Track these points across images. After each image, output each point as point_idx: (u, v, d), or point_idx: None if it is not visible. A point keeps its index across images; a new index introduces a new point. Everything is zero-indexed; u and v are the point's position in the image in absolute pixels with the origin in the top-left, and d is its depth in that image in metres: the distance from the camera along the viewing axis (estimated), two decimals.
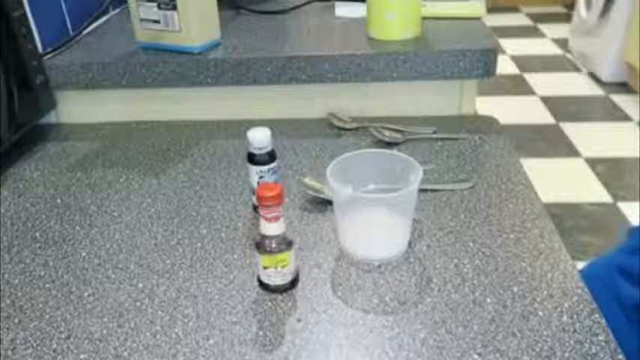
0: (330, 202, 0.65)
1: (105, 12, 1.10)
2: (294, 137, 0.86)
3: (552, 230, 0.63)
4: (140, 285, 0.59)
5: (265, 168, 0.65)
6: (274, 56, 0.88)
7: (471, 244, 0.62)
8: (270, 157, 0.65)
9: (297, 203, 0.70)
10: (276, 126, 0.91)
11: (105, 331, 0.53)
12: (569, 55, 3.43)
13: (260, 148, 0.64)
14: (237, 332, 0.52)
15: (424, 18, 0.94)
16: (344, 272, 0.59)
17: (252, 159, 0.65)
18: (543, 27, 4.00)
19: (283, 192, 0.52)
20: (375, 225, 0.60)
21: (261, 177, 0.65)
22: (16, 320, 0.55)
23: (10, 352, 0.51)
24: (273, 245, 0.54)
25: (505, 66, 3.30)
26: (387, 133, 0.83)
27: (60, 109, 0.95)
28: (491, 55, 0.86)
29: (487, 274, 0.57)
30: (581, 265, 0.60)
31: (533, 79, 3.17)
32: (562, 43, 3.57)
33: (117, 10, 1.16)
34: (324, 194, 0.69)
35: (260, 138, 0.64)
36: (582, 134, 2.51)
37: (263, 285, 0.57)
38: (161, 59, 0.90)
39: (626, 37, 2.84)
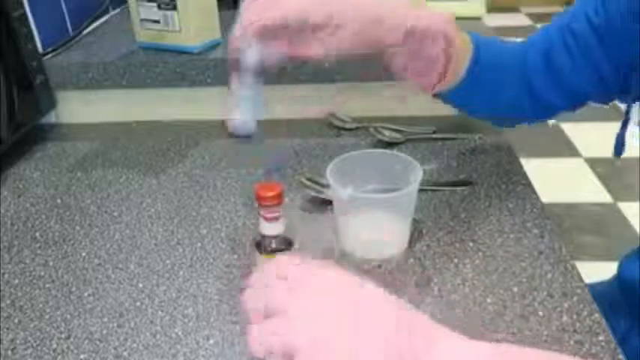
0: (330, 202, 0.65)
1: (105, 12, 1.10)
2: (294, 137, 0.86)
3: (552, 230, 0.63)
4: (140, 285, 0.59)
5: None
6: None
7: (470, 244, 0.62)
8: None
9: (297, 203, 0.70)
10: (276, 126, 0.92)
11: (105, 331, 0.53)
12: None
13: None
14: (237, 332, 0.52)
15: None
16: None
17: None
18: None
19: (283, 192, 0.52)
20: (375, 225, 0.60)
21: None
22: (16, 320, 0.55)
23: (10, 352, 0.51)
24: (273, 245, 0.54)
25: None
26: (387, 133, 0.83)
27: (60, 109, 0.95)
28: None
29: (487, 274, 0.57)
30: (581, 265, 0.60)
31: None
32: None
33: (117, 10, 1.16)
34: (324, 194, 0.69)
35: None
36: (582, 134, 2.51)
37: None
38: (161, 59, 0.90)
39: None
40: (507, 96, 0.67)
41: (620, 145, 0.65)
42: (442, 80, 0.60)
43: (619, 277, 0.77)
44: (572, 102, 0.68)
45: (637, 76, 0.60)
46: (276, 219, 0.53)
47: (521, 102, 0.68)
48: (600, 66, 0.62)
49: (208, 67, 0.89)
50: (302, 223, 0.66)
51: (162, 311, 0.55)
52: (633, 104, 0.64)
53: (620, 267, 0.78)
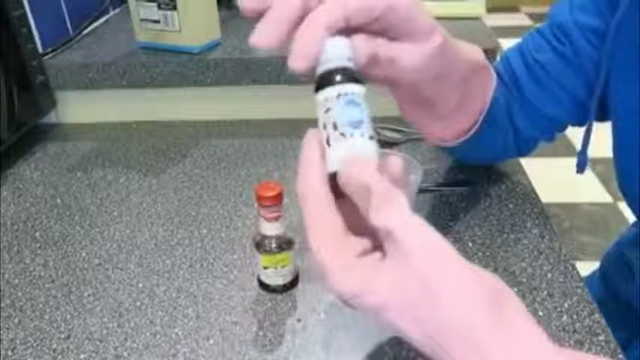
0: None
1: (105, 12, 1.10)
2: (294, 137, 0.86)
3: (552, 230, 0.63)
4: (140, 285, 0.59)
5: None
6: (274, 56, 0.88)
7: (470, 244, 0.62)
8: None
9: (297, 203, 0.70)
10: (276, 126, 0.92)
11: (105, 331, 0.53)
12: None
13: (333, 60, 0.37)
14: (237, 332, 0.52)
15: None
16: None
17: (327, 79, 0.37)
18: None
19: (283, 192, 0.52)
20: None
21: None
22: (16, 320, 0.55)
23: (10, 352, 0.51)
24: (273, 245, 0.54)
25: None
26: (387, 133, 0.83)
27: (60, 109, 0.95)
28: (491, 55, 0.86)
29: None
30: (581, 265, 0.60)
31: None
32: None
33: (117, 10, 1.16)
34: None
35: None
36: (582, 134, 2.50)
37: (263, 285, 0.57)
38: (161, 59, 0.90)
39: None
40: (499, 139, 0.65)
41: (583, 162, 0.64)
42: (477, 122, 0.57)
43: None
44: (549, 130, 0.67)
45: (594, 98, 0.59)
46: (276, 219, 0.53)
47: (507, 141, 0.66)
48: (577, 91, 0.61)
49: (208, 67, 0.89)
50: (302, 223, 0.66)
51: (162, 311, 0.55)
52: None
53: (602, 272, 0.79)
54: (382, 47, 0.39)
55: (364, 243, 0.34)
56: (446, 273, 0.31)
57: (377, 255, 0.34)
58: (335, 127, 0.36)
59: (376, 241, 0.34)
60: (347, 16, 0.37)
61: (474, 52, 0.53)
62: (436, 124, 0.56)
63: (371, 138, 0.36)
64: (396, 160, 0.36)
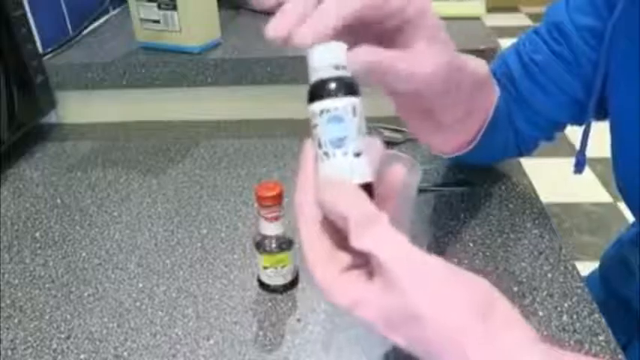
0: None
1: (105, 12, 1.10)
2: (295, 138, 0.86)
3: (552, 230, 0.63)
4: (140, 285, 0.59)
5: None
6: (274, 56, 0.88)
7: (471, 244, 0.62)
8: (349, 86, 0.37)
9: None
10: (276, 126, 0.92)
11: (105, 331, 0.53)
12: None
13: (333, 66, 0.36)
14: (237, 332, 0.52)
15: None
16: None
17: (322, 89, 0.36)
18: None
19: (283, 192, 0.52)
20: None
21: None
22: (16, 320, 0.55)
23: (10, 352, 0.51)
24: (273, 245, 0.54)
25: None
26: (387, 133, 0.83)
27: (60, 109, 0.95)
28: (491, 55, 0.86)
29: (487, 274, 0.57)
30: (581, 265, 0.60)
31: None
32: None
33: (117, 10, 1.16)
34: None
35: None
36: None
37: (263, 285, 0.57)
38: (161, 59, 0.90)
39: None
40: (500, 139, 0.65)
41: (581, 163, 0.64)
42: (477, 135, 0.57)
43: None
44: (548, 130, 0.67)
45: (593, 98, 0.59)
46: (276, 219, 0.53)
47: (507, 141, 0.66)
48: (574, 90, 0.61)
49: (208, 67, 0.89)
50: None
51: (162, 311, 0.55)
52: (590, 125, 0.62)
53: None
54: (392, 59, 0.40)
55: (347, 259, 0.34)
56: (426, 287, 0.32)
57: (361, 271, 0.34)
58: (320, 145, 0.35)
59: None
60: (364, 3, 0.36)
61: (479, 67, 0.52)
62: (437, 136, 0.56)
63: (357, 155, 0.35)
64: (395, 174, 0.36)
